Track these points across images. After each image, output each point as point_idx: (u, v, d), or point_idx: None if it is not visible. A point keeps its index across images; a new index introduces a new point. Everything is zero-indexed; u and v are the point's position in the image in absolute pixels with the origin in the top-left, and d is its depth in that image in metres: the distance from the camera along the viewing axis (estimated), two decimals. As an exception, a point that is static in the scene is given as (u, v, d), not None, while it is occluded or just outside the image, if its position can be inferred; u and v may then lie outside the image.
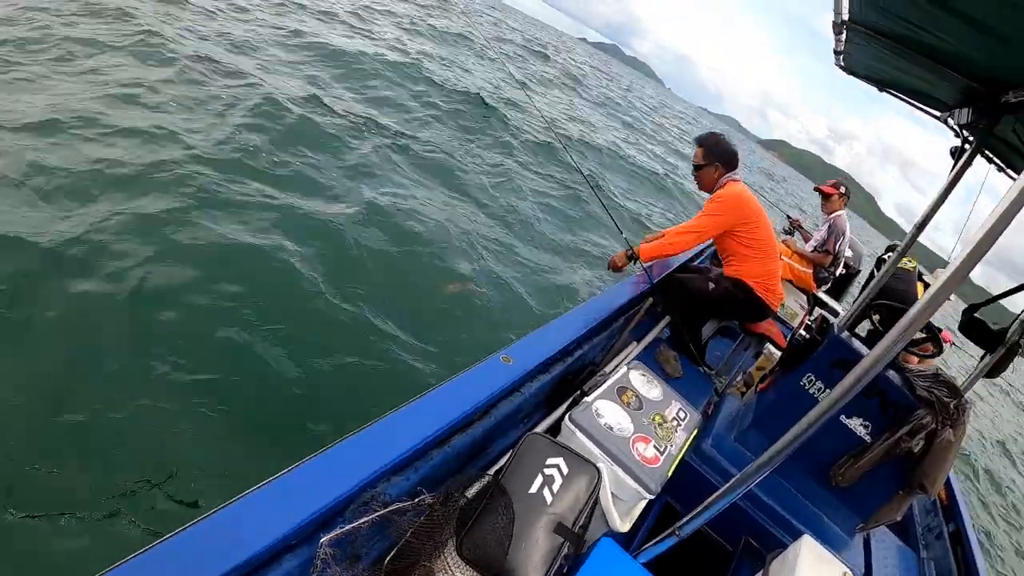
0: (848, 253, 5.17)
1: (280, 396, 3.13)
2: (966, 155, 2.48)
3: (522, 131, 10.37)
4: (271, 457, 1.64)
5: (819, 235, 5.13)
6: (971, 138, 2.45)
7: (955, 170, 2.55)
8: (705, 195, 3.19)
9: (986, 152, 2.60)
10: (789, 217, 5.95)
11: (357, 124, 7.22)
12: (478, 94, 11.17)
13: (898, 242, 4.45)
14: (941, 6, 1.57)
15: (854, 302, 2.88)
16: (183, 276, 3.59)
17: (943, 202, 2.68)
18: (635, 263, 3.10)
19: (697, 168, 3.16)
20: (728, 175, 3.08)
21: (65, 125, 4.62)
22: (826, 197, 5.10)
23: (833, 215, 5.04)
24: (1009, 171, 2.51)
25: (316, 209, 4.89)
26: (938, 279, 1.23)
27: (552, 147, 9.99)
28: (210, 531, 1.11)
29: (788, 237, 5.62)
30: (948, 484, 3.31)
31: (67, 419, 2.60)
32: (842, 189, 5.07)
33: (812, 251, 5.12)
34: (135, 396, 2.79)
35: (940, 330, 2.76)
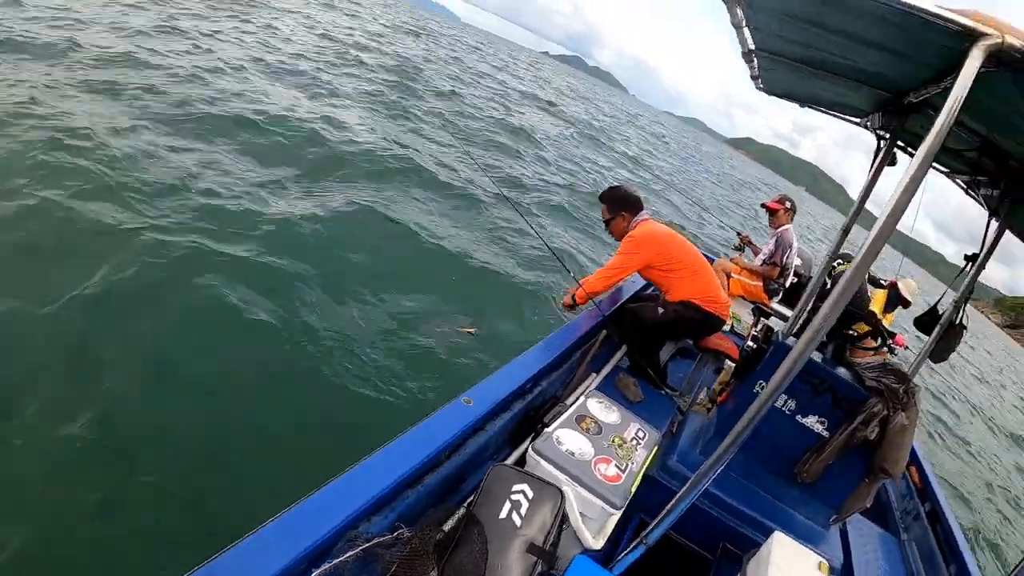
0: (797, 262, 5.36)
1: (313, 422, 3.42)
2: (883, 152, 2.68)
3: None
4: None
5: (767, 249, 5.33)
6: (887, 136, 2.66)
7: (874, 168, 2.73)
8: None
9: (907, 149, 2.81)
10: (739, 234, 6.16)
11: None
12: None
13: (849, 252, 4.67)
14: (829, 30, 1.74)
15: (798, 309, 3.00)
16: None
17: (866, 200, 2.86)
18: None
19: (607, 223, 3.41)
20: (636, 218, 3.31)
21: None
22: (772, 213, 5.33)
23: (780, 229, 5.25)
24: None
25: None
26: (850, 266, 1.34)
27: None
28: (217, 571, 1.18)
29: (737, 255, 5.82)
30: (920, 466, 3.41)
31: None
32: (787, 204, 5.31)
33: (761, 265, 5.31)
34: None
35: (894, 335, 2.90)
